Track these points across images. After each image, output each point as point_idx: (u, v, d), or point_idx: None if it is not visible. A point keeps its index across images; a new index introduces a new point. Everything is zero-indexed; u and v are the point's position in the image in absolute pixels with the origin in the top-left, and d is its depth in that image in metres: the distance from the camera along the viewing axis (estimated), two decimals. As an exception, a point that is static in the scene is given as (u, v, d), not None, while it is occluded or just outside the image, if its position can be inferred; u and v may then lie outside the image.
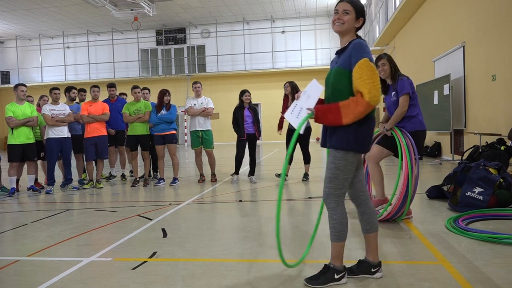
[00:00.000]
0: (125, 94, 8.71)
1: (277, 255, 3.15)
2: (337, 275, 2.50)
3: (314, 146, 17.89)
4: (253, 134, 7.08)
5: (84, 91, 8.13)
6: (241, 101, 7.10)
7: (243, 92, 7.13)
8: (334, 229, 2.50)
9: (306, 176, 7.14)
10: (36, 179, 7.17)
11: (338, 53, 2.56)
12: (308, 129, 6.84)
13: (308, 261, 2.98)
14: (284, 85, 7.10)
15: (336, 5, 2.53)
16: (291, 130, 6.86)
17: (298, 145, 7.03)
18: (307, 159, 7.12)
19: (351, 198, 2.68)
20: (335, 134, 2.45)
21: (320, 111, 2.42)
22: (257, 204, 5.40)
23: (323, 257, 3.05)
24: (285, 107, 7.09)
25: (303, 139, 6.96)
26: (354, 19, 2.48)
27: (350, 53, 2.40)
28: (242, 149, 7.09)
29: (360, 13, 2.49)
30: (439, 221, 3.94)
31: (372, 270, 2.59)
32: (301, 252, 3.13)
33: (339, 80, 2.43)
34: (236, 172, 7.21)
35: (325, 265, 2.56)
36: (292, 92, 6.91)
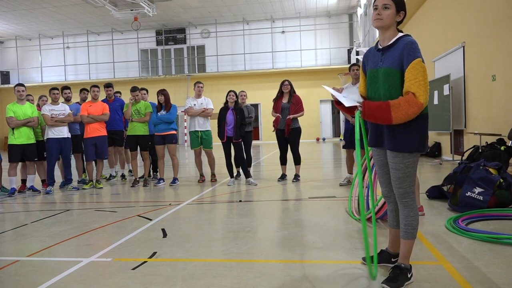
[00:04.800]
0: (119, 92, 8.65)
1: (276, 255, 3.16)
2: (409, 273, 2.49)
3: (315, 146, 17.94)
4: (231, 137, 6.87)
5: (87, 90, 8.12)
6: (226, 101, 6.94)
7: (228, 92, 6.95)
8: (410, 226, 2.47)
9: (296, 177, 7.06)
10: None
11: (383, 50, 2.45)
12: (297, 130, 6.92)
13: (309, 261, 2.98)
14: (284, 83, 6.93)
15: (375, 0, 2.43)
16: (279, 130, 6.90)
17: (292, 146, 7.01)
18: (297, 160, 7.05)
19: (385, 196, 2.67)
20: (397, 137, 2.39)
21: (367, 107, 2.36)
22: (257, 204, 5.39)
23: (323, 257, 3.06)
24: (279, 107, 6.96)
25: (293, 141, 6.93)
26: (395, 14, 2.39)
27: (402, 52, 2.33)
28: (226, 152, 6.96)
29: (400, 6, 2.40)
30: (439, 221, 3.94)
31: (392, 259, 2.73)
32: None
33: (391, 81, 2.37)
34: (230, 175, 7.12)
35: (396, 265, 2.52)
36: (289, 92, 6.92)
